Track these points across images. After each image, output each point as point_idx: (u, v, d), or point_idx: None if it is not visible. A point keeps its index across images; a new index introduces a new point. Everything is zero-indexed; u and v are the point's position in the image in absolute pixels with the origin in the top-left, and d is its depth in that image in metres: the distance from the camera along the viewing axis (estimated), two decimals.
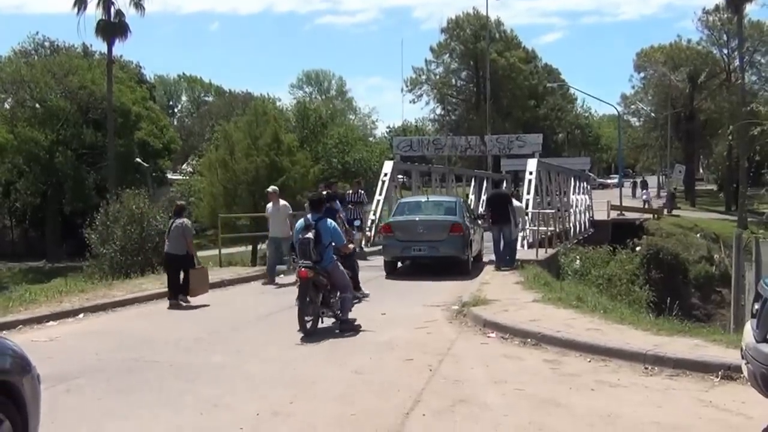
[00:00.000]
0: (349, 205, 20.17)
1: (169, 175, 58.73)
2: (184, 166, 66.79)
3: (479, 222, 19.68)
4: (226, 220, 25.69)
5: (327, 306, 10.39)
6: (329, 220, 10.71)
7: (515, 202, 18.94)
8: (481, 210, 32.79)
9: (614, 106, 65.80)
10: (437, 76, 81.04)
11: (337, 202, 17.78)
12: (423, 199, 19.74)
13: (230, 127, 40.56)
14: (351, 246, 12.20)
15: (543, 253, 19.12)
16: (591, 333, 9.26)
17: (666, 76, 64.27)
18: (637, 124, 77.85)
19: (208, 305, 13.02)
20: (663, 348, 8.32)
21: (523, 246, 19.88)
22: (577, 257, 23.18)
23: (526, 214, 21.23)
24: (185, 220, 13.35)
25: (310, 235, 10.26)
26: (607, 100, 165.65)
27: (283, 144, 37.67)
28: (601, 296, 15.43)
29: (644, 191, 55.61)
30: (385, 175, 26.06)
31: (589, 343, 8.76)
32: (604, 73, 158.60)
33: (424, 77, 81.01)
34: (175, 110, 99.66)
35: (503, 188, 18.24)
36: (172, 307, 12.91)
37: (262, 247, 27.00)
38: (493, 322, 10.28)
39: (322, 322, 10.36)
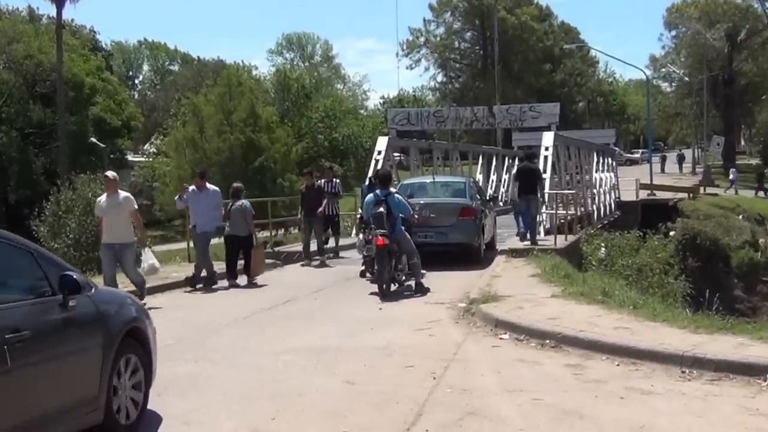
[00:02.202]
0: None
1: (130, 157, 58.56)
2: (146, 146, 66.68)
3: (491, 204, 19.95)
4: None
5: (396, 270, 13.78)
6: (397, 195, 14.04)
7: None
8: (491, 192, 32.96)
9: (642, 70, 65.89)
10: (438, 38, 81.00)
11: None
12: (429, 179, 19.96)
13: (199, 101, 40.48)
14: (416, 216, 15.06)
15: (562, 241, 19.11)
16: (619, 332, 9.24)
17: (701, 35, 64.18)
18: (669, 89, 77.99)
19: (267, 285, 15.35)
20: (702, 348, 8.29)
21: (539, 232, 19.91)
22: (602, 245, 23.16)
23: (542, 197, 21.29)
24: (244, 201, 15.69)
25: (382, 209, 13.41)
26: (633, 63, 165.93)
27: (260, 119, 37.61)
28: (630, 289, 15.40)
29: (732, 170, 54.25)
30: (379, 153, 26.00)
31: (617, 344, 8.73)
32: (630, 32, 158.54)
33: (422, 39, 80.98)
34: (136, 82, 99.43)
35: (534, 162, 19.37)
36: (231, 287, 15.24)
37: None
38: (505, 322, 10.26)
39: (395, 286, 13.71)
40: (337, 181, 20.83)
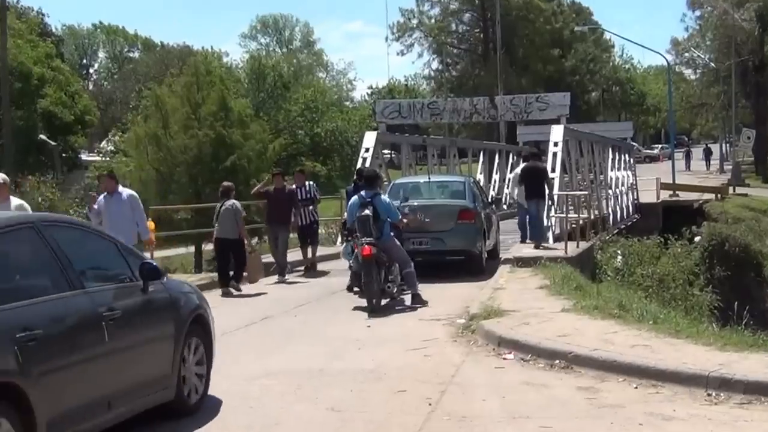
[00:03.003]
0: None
1: (84, 156, 58.41)
2: (103, 143, 66.52)
3: (494, 207, 20.08)
4: (160, 213, 25.58)
5: (387, 281, 13.85)
6: (384, 196, 14.36)
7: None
8: (493, 193, 33.05)
9: (663, 55, 66.00)
10: (432, 20, 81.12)
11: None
12: (423, 179, 19.99)
13: (163, 92, 40.30)
14: (405, 221, 14.97)
15: (574, 248, 19.16)
16: (637, 350, 9.29)
17: (728, 15, 64.38)
18: (693, 77, 78.05)
19: (266, 293, 16.04)
20: (731, 368, 8.36)
21: (546, 239, 19.99)
22: (619, 252, 23.25)
23: (551, 199, 21.42)
24: (235, 201, 16.17)
25: (368, 211, 13.58)
26: (653, 47, 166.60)
27: (232, 112, 37.48)
28: (649, 302, 15.49)
29: None
30: (367, 150, 26.06)
31: (635, 364, 8.80)
32: (649, 12, 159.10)
33: (415, 21, 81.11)
34: (91, 71, 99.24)
35: (543, 161, 20.15)
36: (225, 295, 15.76)
37: (208, 248, 26.90)
38: (510, 340, 10.31)
39: (386, 300, 13.82)
40: (312, 184, 19.83)
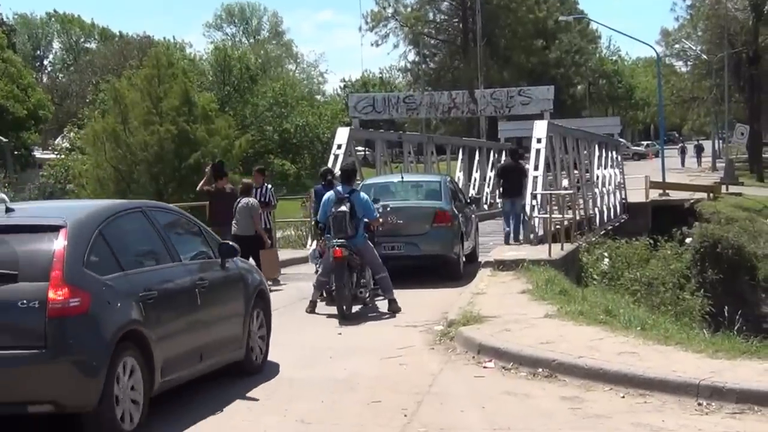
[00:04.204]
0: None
1: (38, 154, 58.16)
2: (58, 140, 66.13)
3: (473, 208, 20.06)
4: None
5: (359, 286, 13.92)
6: (362, 193, 14.40)
7: None
8: (473, 193, 33.12)
9: (652, 46, 66.42)
10: (408, 9, 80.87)
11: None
12: (396, 179, 19.86)
13: (122, 85, 40.22)
14: (380, 220, 14.95)
15: (558, 250, 19.21)
16: (625, 358, 9.34)
17: (721, 4, 64.78)
18: (684, 69, 78.49)
19: (283, 287, 16.81)
20: (723, 376, 8.41)
21: (532, 241, 20.07)
22: (605, 254, 23.33)
23: (534, 197, 21.54)
24: (252, 199, 16.96)
25: (344, 208, 13.53)
26: (642, 38, 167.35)
27: (196, 107, 37.48)
28: (638, 307, 15.56)
29: None
30: (339, 147, 25.99)
31: (621, 372, 8.85)
32: (637, 1, 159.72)
33: (390, 10, 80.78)
34: (45, 62, 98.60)
35: (526, 158, 20.57)
36: None
37: None
38: (490, 347, 10.33)
39: (358, 306, 13.92)
40: (270, 187, 19.29)
